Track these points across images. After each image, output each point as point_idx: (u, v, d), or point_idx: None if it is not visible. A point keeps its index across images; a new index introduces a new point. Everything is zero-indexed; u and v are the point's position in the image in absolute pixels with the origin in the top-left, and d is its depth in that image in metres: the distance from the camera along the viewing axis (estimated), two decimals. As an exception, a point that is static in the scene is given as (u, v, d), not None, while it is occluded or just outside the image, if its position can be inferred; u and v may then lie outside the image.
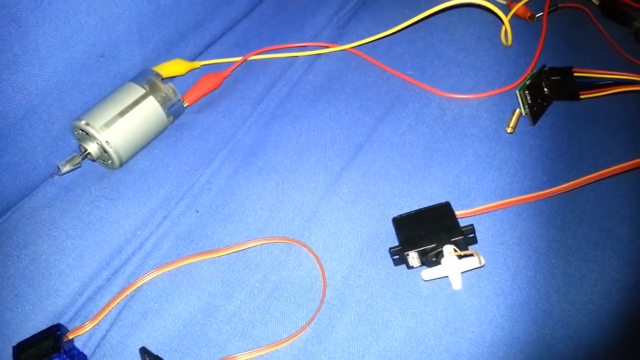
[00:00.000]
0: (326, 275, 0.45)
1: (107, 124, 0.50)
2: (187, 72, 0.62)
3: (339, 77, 0.62)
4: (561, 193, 0.47)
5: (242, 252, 0.47)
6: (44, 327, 0.42)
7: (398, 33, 0.63)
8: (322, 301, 0.43)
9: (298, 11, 0.71)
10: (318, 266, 0.46)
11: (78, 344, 0.42)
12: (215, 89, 0.60)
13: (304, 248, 0.47)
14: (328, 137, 0.55)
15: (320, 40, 0.66)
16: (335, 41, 0.66)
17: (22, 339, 0.41)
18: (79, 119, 0.50)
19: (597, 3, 0.67)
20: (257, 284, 0.45)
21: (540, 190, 0.47)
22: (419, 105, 0.57)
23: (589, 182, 0.46)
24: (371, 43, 0.64)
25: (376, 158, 0.53)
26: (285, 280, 0.45)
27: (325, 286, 0.44)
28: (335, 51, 0.65)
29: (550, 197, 0.47)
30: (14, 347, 0.41)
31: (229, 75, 0.62)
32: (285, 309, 0.43)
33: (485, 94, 0.57)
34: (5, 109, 0.47)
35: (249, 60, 0.64)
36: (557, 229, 0.46)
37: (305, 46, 0.65)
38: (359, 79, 0.61)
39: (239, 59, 0.64)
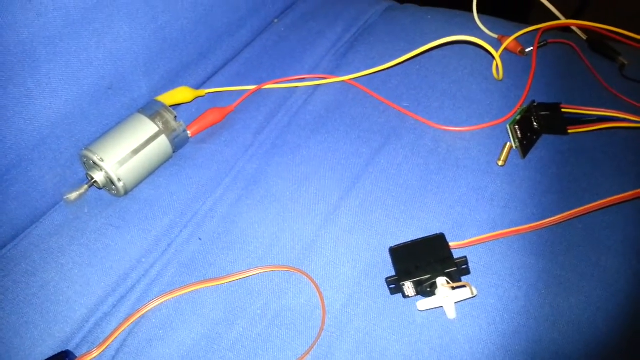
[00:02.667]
0: (325, 304, 0.47)
1: (121, 162, 0.52)
2: (192, 100, 0.64)
3: (337, 108, 0.64)
4: (550, 225, 0.49)
5: (244, 280, 0.49)
6: (52, 353, 0.44)
7: (394, 66, 0.65)
8: (321, 329, 0.45)
9: (297, 43, 0.74)
10: (317, 294, 0.47)
11: (85, 370, 0.44)
12: (218, 122, 0.62)
13: (304, 276, 0.49)
14: (327, 167, 0.58)
15: (318, 72, 0.69)
16: (334, 72, 0.69)
17: (31, 365, 0.43)
18: (92, 151, 0.52)
19: (584, 38, 0.70)
20: (258, 312, 0.47)
21: (530, 222, 0.49)
22: (414, 137, 0.60)
23: (577, 215, 0.49)
24: (368, 75, 0.67)
25: (373, 188, 0.55)
26: (285, 308, 0.47)
27: (324, 314, 0.46)
28: (333, 82, 0.67)
29: (539, 229, 0.49)
30: (23, 374, 0.42)
31: (232, 111, 0.64)
32: (286, 336, 0.45)
33: (477, 127, 0.60)
34: (17, 141, 0.49)
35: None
36: (547, 260, 0.48)
37: (304, 78, 0.68)
38: (356, 110, 0.64)
39: (241, 88, 0.66)
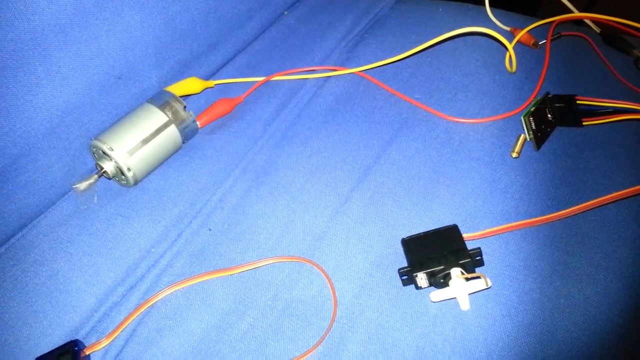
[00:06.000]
0: (337, 294, 0.46)
1: (131, 151, 0.52)
2: (202, 91, 0.64)
3: (348, 100, 0.63)
4: (565, 217, 0.48)
5: (254, 271, 0.48)
6: (61, 343, 0.43)
7: (405, 57, 0.65)
8: (333, 320, 0.44)
9: (307, 35, 0.73)
10: (329, 285, 0.47)
11: (94, 359, 0.43)
12: (227, 113, 0.62)
13: (314, 267, 0.48)
14: (338, 158, 0.57)
15: (329, 64, 0.68)
16: (344, 65, 0.68)
17: (40, 354, 0.42)
18: (101, 140, 0.52)
19: (598, 31, 0.69)
20: (269, 302, 0.46)
21: (545, 214, 0.49)
22: (426, 129, 0.59)
23: (592, 207, 0.48)
24: (379, 67, 0.66)
25: (385, 180, 0.54)
26: (296, 299, 0.46)
27: (336, 305, 0.45)
28: (343, 74, 0.67)
29: (554, 221, 0.49)
30: (32, 362, 0.42)
31: (242, 102, 0.64)
32: (297, 327, 0.44)
33: (490, 119, 0.59)
34: (26, 129, 0.49)
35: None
36: (561, 252, 0.47)
37: (314, 70, 0.67)
38: (367, 102, 0.63)
39: (250, 79, 0.66)
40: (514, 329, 0.43)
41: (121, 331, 0.45)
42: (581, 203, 0.48)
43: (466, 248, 0.45)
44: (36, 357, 0.42)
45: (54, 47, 0.48)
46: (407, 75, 0.66)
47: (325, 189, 0.54)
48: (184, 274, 0.48)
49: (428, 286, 0.45)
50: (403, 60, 0.66)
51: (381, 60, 0.66)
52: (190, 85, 0.62)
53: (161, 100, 0.56)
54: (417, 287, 0.45)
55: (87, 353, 0.43)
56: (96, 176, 0.53)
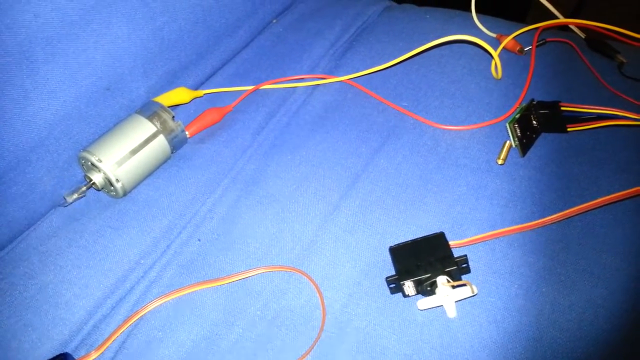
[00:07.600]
0: (325, 304, 0.46)
1: (119, 162, 0.52)
2: (190, 101, 0.64)
3: (336, 108, 0.64)
4: (550, 223, 0.49)
5: (243, 281, 0.49)
6: (50, 356, 0.43)
7: (392, 65, 0.65)
8: (321, 329, 0.45)
9: (295, 43, 0.74)
10: (317, 294, 0.47)
11: (84, 372, 0.44)
12: (216, 123, 0.62)
13: (303, 276, 0.48)
14: (326, 167, 0.57)
15: (317, 72, 0.69)
16: (332, 72, 0.69)
17: (29, 367, 0.43)
18: (90, 152, 0.52)
19: (583, 37, 0.70)
20: (258, 312, 0.46)
21: (530, 220, 0.49)
22: (413, 136, 0.59)
23: (577, 213, 0.48)
24: (367, 75, 0.67)
25: (373, 188, 0.55)
26: (285, 309, 0.46)
27: (324, 314, 0.46)
28: (332, 82, 0.67)
29: (539, 227, 0.49)
30: (22, 376, 0.42)
31: (231, 111, 0.64)
32: (285, 337, 0.45)
33: (476, 126, 0.60)
34: (15, 142, 0.49)
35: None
36: (547, 258, 0.48)
37: (303, 78, 0.68)
38: (355, 110, 0.63)
39: (239, 88, 0.66)
40: (500, 335, 0.43)
41: (110, 343, 0.45)
42: (566, 209, 0.49)
43: (452, 255, 0.45)
44: (25, 371, 0.42)
45: (42, 60, 0.49)
46: (395, 83, 0.66)
47: (314, 198, 0.55)
48: (173, 285, 0.49)
49: (415, 294, 0.46)
50: (390, 68, 0.67)
51: (369, 68, 0.66)
52: (179, 95, 0.63)
53: (149, 110, 0.57)
54: (405, 295, 0.46)
55: (77, 366, 0.43)
56: (85, 188, 0.53)
